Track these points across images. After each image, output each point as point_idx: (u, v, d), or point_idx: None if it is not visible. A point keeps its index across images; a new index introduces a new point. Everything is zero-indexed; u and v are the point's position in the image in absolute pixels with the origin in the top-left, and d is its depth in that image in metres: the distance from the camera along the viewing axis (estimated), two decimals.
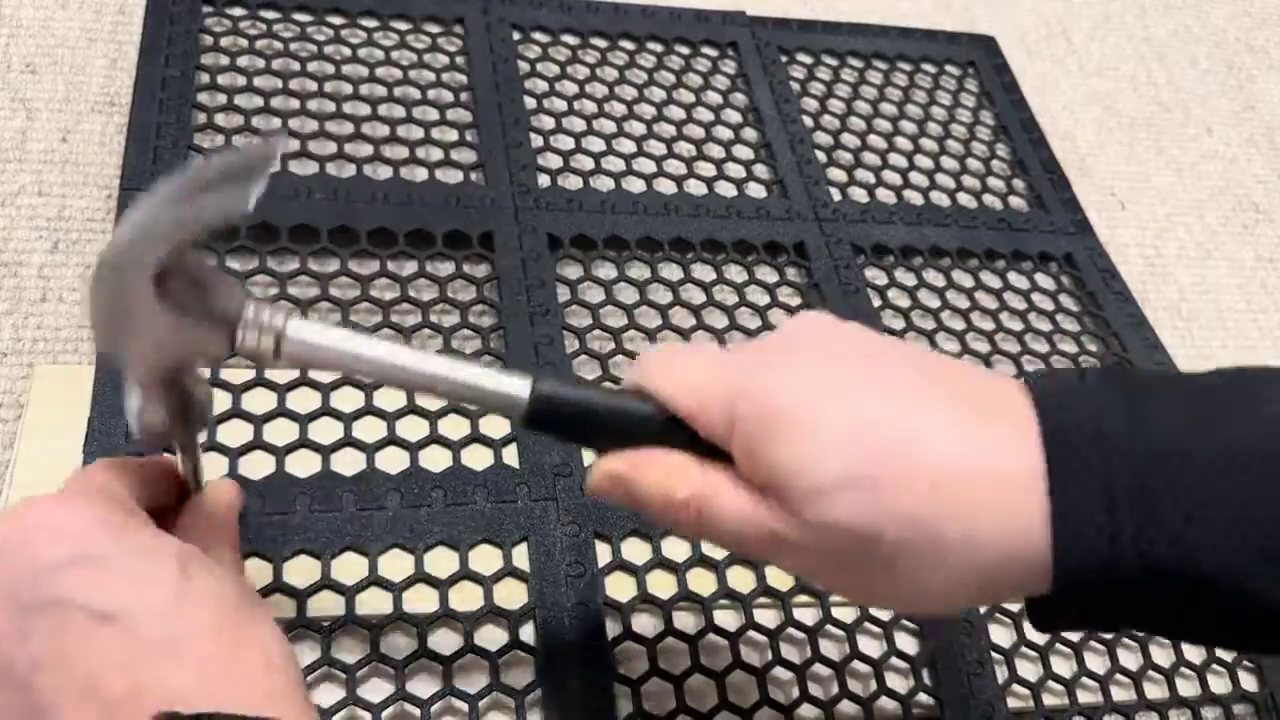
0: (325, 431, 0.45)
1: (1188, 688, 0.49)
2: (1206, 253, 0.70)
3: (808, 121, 0.66)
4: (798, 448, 0.30)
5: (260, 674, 0.30)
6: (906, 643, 0.46)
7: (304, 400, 0.46)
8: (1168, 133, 0.77)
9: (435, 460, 0.46)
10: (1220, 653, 0.50)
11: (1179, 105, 0.79)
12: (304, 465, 0.44)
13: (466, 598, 0.43)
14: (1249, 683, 0.50)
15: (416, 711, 0.40)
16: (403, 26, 0.62)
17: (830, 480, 0.29)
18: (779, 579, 0.46)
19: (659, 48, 0.67)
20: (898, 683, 0.45)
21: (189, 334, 0.31)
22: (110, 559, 0.30)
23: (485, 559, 0.44)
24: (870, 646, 0.46)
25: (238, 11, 0.60)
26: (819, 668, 0.45)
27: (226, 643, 0.30)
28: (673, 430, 0.32)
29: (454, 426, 0.47)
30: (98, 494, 0.33)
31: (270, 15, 0.60)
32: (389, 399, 0.47)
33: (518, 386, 0.33)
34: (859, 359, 0.32)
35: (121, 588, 0.30)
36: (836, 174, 0.64)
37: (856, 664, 0.45)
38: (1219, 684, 0.50)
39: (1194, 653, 0.50)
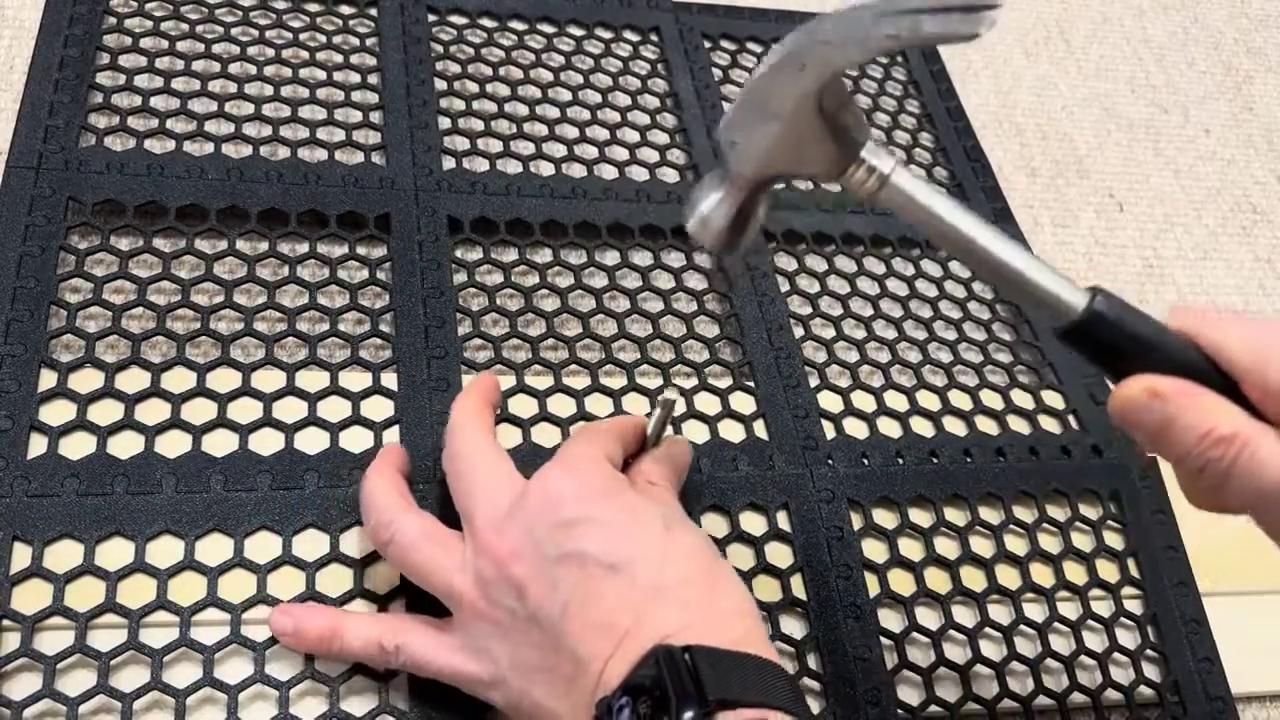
0: (198, 412, 0.45)
1: (1087, 677, 0.49)
2: (1205, 254, 0.70)
3: (728, 108, 0.65)
4: None
5: (734, 618, 0.36)
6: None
7: (178, 381, 0.45)
8: (1166, 134, 0.77)
9: (312, 442, 0.45)
10: (1123, 641, 0.50)
11: (1177, 107, 0.79)
12: (174, 446, 0.44)
13: (336, 581, 0.42)
14: (1152, 672, 0.50)
15: (275, 693, 0.39)
16: (314, 9, 0.62)
17: None
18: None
19: (579, 32, 0.66)
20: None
21: (818, 146, 0.34)
22: (609, 520, 0.37)
23: (358, 542, 0.43)
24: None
25: None
26: None
27: (702, 590, 0.36)
28: (1216, 383, 0.32)
29: (333, 409, 0.46)
30: (595, 463, 0.39)
31: None
32: (266, 380, 0.46)
33: (1075, 295, 0.33)
34: None
35: (622, 543, 0.36)
36: None
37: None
38: (1121, 674, 0.49)
39: (1095, 641, 0.50)
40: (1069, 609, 0.50)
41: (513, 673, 0.36)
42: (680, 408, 0.50)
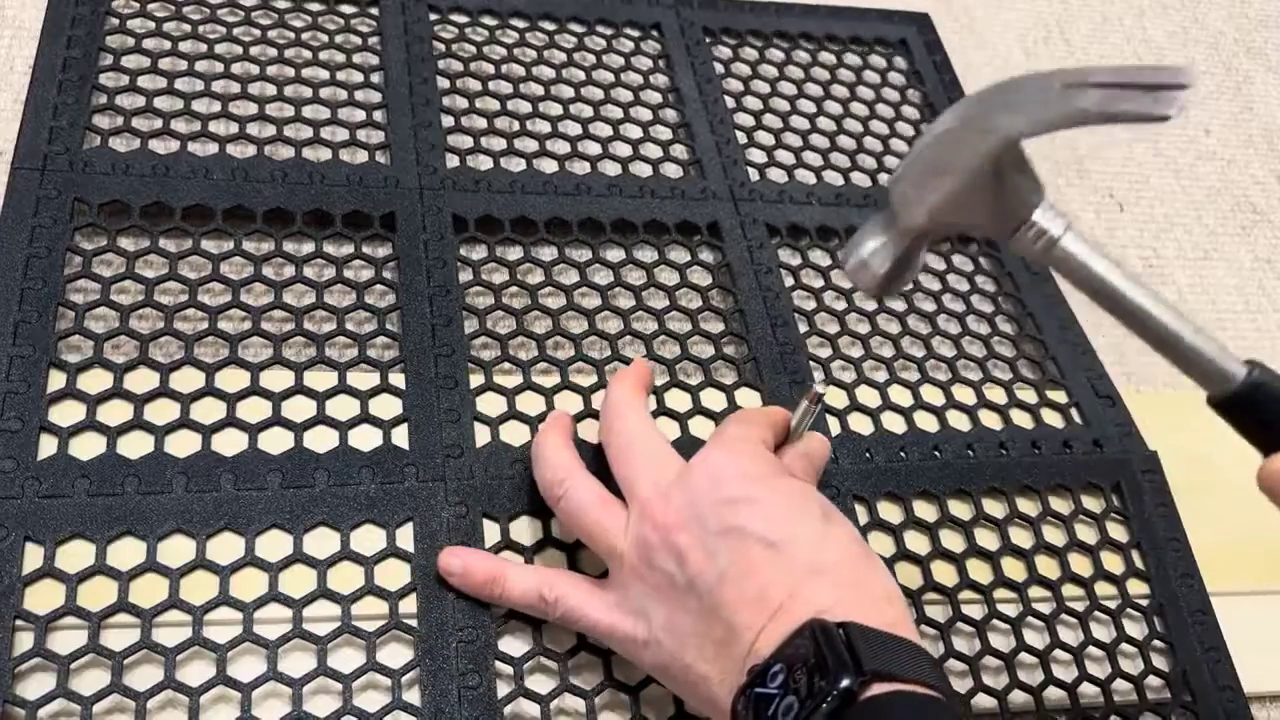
0: (207, 411, 0.45)
1: (1096, 668, 0.49)
2: (1205, 254, 0.70)
3: (729, 102, 0.65)
4: None
5: (882, 604, 0.37)
6: None
7: (187, 381, 0.46)
8: (1165, 134, 0.77)
9: (321, 441, 0.45)
10: (1130, 631, 0.50)
11: None
12: (184, 445, 0.44)
13: (346, 578, 0.42)
14: (1160, 661, 0.50)
15: (288, 691, 0.39)
16: (316, 8, 0.62)
17: None
18: None
19: (580, 29, 0.66)
20: None
21: (990, 206, 0.35)
22: (771, 501, 0.39)
23: (368, 539, 0.43)
24: None
25: None
26: None
27: (855, 574, 0.38)
28: None
29: (342, 408, 0.46)
30: (756, 446, 0.41)
31: None
32: (275, 379, 0.46)
33: (1233, 366, 0.34)
34: None
35: (781, 523, 0.38)
36: (756, 154, 0.63)
37: None
38: (1129, 664, 0.49)
39: (1102, 632, 0.50)
40: (1076, 601, 0.50)
41: (666, 634, 0.38)
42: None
